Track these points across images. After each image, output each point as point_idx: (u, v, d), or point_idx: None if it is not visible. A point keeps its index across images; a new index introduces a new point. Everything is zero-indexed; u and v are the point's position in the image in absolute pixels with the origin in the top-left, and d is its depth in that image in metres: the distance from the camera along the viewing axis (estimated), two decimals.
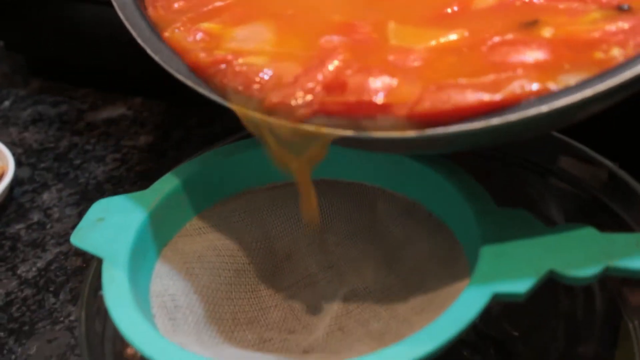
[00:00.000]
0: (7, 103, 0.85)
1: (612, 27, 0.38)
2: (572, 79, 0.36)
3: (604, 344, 0.47)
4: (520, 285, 0.37)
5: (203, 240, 0.48)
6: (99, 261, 0.44)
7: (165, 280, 0.45)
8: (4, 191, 0.69)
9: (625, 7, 0.39)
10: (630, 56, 0.36)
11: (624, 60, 0.36)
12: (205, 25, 0.44)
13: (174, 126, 0.78)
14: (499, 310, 0.48)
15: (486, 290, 0.37)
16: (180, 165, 0.49)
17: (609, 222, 0.46)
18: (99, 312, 0.45)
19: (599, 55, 0.37)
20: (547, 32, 0.39)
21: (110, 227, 0.45)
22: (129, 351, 0.45)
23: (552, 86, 0.36)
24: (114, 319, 0.40)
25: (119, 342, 0.44)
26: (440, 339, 0.36)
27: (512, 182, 0.45)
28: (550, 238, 0.39)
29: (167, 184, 0.47)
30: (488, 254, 0.39)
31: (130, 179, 0.72)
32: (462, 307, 0.37)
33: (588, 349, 0.48)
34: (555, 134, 0.48)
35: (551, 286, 0.38)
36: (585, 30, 0.38)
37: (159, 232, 0.46)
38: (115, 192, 0.70)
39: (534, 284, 0.37)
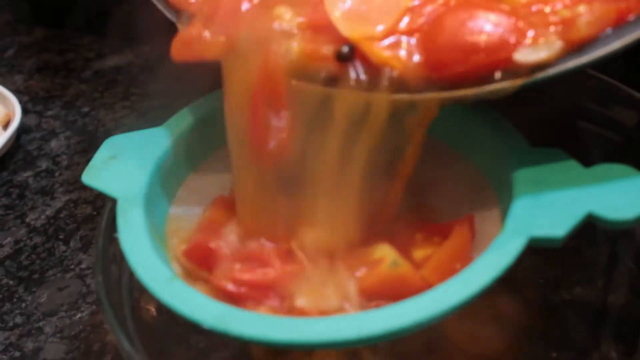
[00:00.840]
0: (11, 51, 0.83)
1: None
2: None
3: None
4: (558, 229, 0.35)
5: (219, 180, 0.46)
6: (113, 202, 0.42)
7: (182, 221, 0.44)
8: (10, 138, 0.67)
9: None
10: None
11: None
12: None
13: (184, 72, 0.75)
14: None
15: (522, 234, 0.36)
16: (196, 102, 0.47)
17: None
18: (115, 257, 0.43)
19: None
20: None
21: (123, 165, 0.43)
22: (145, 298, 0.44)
23: None
24: (131, 264, 0.38)
25: (137, 288, 0.43)
26: (476, 285, 0.34)
27: (546, 122, 0.43)
28: (587, 179, 0.37)
29: (182, 120, 0.46)
30: (522, 196, 0.38)
31: (140, 126, 0.70)
32: (497, 251, 0.35)
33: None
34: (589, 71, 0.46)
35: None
36: None
37: (174, 171, 0.45)
38: None
39: (572, 227, 0.35)
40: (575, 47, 0.35)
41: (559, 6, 0.36)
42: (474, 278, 0.34)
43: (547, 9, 0.36)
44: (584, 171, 0.38)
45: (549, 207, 0.36)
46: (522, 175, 0.39)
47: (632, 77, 0.46)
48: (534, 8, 0.36)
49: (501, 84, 0.36)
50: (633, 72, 0.46)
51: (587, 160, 0.40)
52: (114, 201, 0.43)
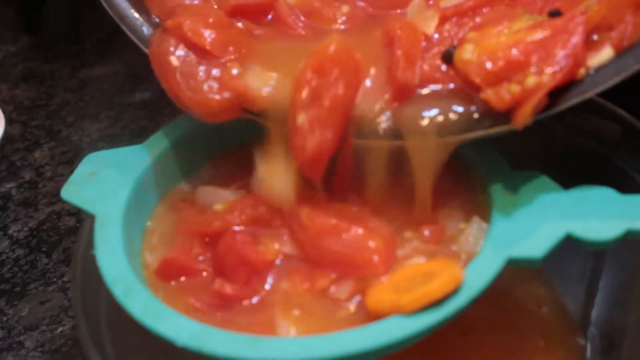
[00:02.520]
0: None
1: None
2: None
3: None
4: (536, 250, 0.35)
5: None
6: (93, 218, 0.42)
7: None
8: None
9: (554, 11, 0.37)
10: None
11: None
12: None
13: None
14: None
15: (500, 255, 0.36)
16: (177, 120, 0.47)
17: (625, 182, 0.44)
18: (92, 273, 0.43)
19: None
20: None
21: (103, 182, 0.43)
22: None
23: None
24: (107, 281, 0.38)
25: (114, 304, 0.43)
26: (453, 306, 0.34)
27: (528, 140, 0.43)
28: (567, 201, 0.38)
29: (163, 138, 0.45)
30: (501, 217, 0.38)
31: (126, 137, 0.70)
32: (476, 272, 0.35)
33: None
34: None
35: None
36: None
37: (154, 189, 0.44)
38: None
39: (551, 248, 0.35)
40: None
41: None
42: (452, 298, 0.34)
43: None
44: (563, 193, 0.38)
45: (528, 228, 0.36)
46: (501, 197, 0.39)
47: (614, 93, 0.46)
48: None
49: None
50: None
51: (569, 176, 0.41)
52: (92, 218, 0.42)
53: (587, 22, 0.36)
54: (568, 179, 0.40)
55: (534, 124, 0.36)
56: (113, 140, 0.70)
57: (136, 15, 0.44)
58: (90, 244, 0.42)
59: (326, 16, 0.40)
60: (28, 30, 0.84)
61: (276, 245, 0.39)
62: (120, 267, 0.38)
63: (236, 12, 0.41)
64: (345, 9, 0.40)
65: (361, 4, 0.42)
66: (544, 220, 0.37)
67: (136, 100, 0.74)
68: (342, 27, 0.41)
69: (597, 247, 0.36)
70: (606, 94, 0.44)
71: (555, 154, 0.47)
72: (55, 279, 0.58)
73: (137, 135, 0.69)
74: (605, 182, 0.39)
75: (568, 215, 0.37)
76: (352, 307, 0.37)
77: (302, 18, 0.42)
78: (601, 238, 0.36)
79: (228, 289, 0.38)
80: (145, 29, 0.44)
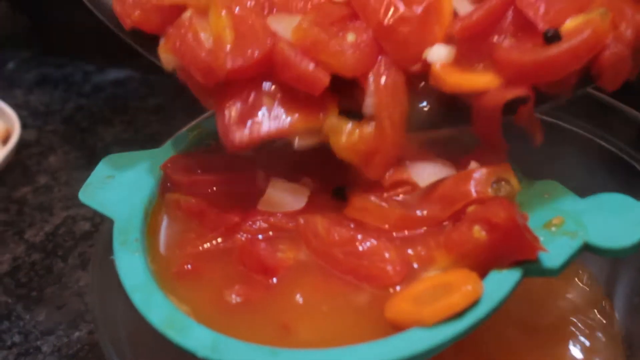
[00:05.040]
0: (11, 64, 0.83)
1: None
2: None
3: None
4: (554, 260, 0.35)
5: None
6: (110, 222, 0.42)
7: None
8: (9, 153, 0.67)
9: (549, 33, 0.36)
10: None
11: None
12: None
13: (184, 87, 0.75)
14: None
15: (518, 266, 0.35)
16: (195, 122, 0.47)
17: None
18: (111, 277, 0.43)
19: None
20: None
21: (121, 185, 0.43)
22: None
23: None
24: (127, 289, 0.38)
25: (132, 309, 0.43)
26: (473, 318, 0.34)
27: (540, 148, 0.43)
28: (583, 209, 0.37)
29: (182, 142, 0.45)
30: None
31: (139, 141, 0.70)
32: (494, 284, 0.35)
33: None
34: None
35: None
36: None
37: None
38: None
39: (568, 258, 0.35)
40: None
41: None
42: (471, 311, 0.34)
43: None
44: (579, 201, 0.38)
45: (546, 238, 0.36)
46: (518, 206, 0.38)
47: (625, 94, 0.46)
48: None
49: None
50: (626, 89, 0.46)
51: (584, 178, 0.40)
52: (110, 221, 0.42)
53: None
54: (583, 182, 0.40)
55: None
56: (127, 144, 0.70)
57: None
58: (108, 248, 0.42)
59: (333, 50, 0.38)
60: (41, 36, 0.85)
61: (293, 253, 0.39)
62: (140, 274, 0.38)
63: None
64: (351, 37, 0.39)
65: (366, 34, 0.39)
66: (561, 230, 0.37)
67: (149, 105, 0.74)
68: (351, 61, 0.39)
69: (615, 255, 0.36)
70: (621, 96, 0.44)
71: (570, 157, 0.47)
72: (71, 284, 0.58)
73: (150, 140, 0.70)
74: (620, 185, 0.39)
75: (585, 224, 0.36)
76: (367, 314, 0.37)
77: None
78: (619, 246, 0.35)
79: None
80: None
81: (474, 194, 0.37)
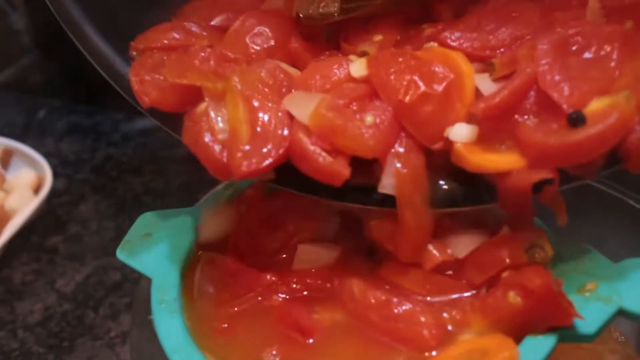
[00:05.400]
0: (42, 113, 0.84)
1: None
2: None
3: None
4: (589, 327, 0.36)
5: None
6: (147, 279, 0.43)
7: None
8: (41, 203, 0.68)
9: (574, 115, 0.36)
10: None
11: None
12: None
13: None
14: None
15: (553, 332, 0.36)
16: (230, 181, 0.48)
17: None
18: (150, 334, 0.43)
19: None
20: None
21: (158, 244, 0.44)
22: None
23: None
24: (166, 351, 0.39)
25: None
26: None
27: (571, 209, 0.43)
28: (617, 274, 0.38)
29: (217, 200, 0.46)
30: None
31: (169, 191, 0.71)
32: (530, 350, 0.35)
33: None
34: None
35: None
36: None
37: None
38: (153, 205, 0.69)
39: (604, 324, 0.36)
40: None
41: None
42: None
43: None
44: (612, 266, 0.39)
45: (579, 304, 0.36)
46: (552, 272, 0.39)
47: None
48: None
49: None
50: None
51: (618, 239, 0.41)
52: (147, 278, 0.43)
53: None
54: (615, 245, 0.40)
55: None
56: (157, 194, 0.71)
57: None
58: (146, 306, 0.43)
59: (351, 133, 0.37)
60: (71, 84, 0.87)
61: (329, 314, 0.40)
62: (179, 335, 0.39)
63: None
64: (369, 119, 0.38)
65: (386, 113, 0.39)
66: (595, 295, 0.37)
67: (178, 154, 0.76)
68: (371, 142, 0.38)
69: None
70: None
71: (602, 219, 0.48)
72: (102, 335, 0.59)
73: (180, 189, 0.71)
74: None
75: (619, 289, 0.37)
76: None
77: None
78: None
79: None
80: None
81: (507, 261, 0.38)
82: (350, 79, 0.40)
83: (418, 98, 0.38)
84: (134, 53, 0.45)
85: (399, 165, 0.38)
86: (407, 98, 0.38)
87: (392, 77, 0.38)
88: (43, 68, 0.91)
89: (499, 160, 0.37)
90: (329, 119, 0.38)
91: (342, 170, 0.37)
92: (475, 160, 0.37)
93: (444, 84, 0.38)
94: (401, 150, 0.38)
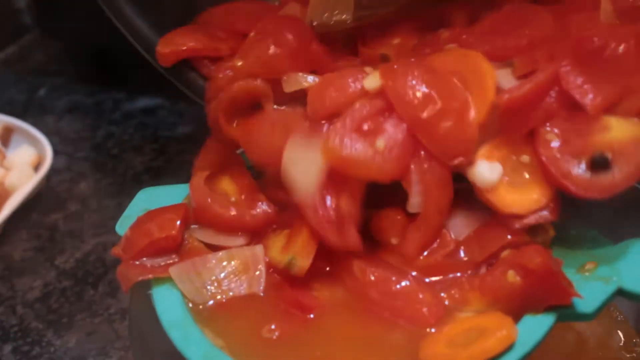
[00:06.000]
0: (42, 91, 0.84)
1: None
2: None
3: None
4: (588, 305, 0.36)
5: None
6: None
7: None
8: (41, 180, 0.68)
9: (598, 157, 0.36)
10: None
11: None
12: None
13: None
14: None
15: (552, 311, 0.36)
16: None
17: None
18: (148, 310, 0.43)
19: None
20: None
21: None
22: None
23: None
24: (165, 325, 0.39)
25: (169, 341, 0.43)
26: None
27: None
28: (616, 254, 0.38)
29: None
30: None
31: (170, 169, 0.71)
32: (528, 329, 0.35)
33: None
34: None
35: None
36: None
37: None
38: (153, 183, 0.68)
39: (602, 303, 0.36)
40: None
41: None
42: (505, 355, 0.35)
43: None
44: (612, 246, 0.39)
45: (579, 283, 0.36)
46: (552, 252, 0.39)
47: None
48: None
49: None
50: None
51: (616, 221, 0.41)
52: None
53: None
54: (614, 226, 0.40)
55: None
56: (157, 173, 0.71)
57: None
58: (145, 281, 0.43)
59: (365, 162, 0.37)
60: (72, 63, 0.87)
61: (329, 291, 0.40)
62: (178, 310, 0.39)
63: None
64: (380, 143, 0.38)
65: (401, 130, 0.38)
66: (595, 275, 0.37)
67: (179, 133, 0.76)
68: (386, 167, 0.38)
69: None
70: None
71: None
72: (101, 311, 0.59)
73: (180, 168, 0.71)
74: None
75: (619, 269, 0.37)
76: (403, 350, 0.38)
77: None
78: None
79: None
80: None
81: (509, 237, 0.38)
82: (365, 93, 0.39)
83: (436, 114, 0.38)
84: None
85: (422, 185, 0.38)
86: (425, 114, 0.38)
87: (408, 91, 0.38)
88: (44, 46, 0.90)
89: (522, 203, 0.38)
90: (338, 153, 0.38)
91: (353, 244, 0.39)
92: (499, 203, 0.38)
93: (461, 98, 0.38)
94: (424, 166, 0.38)
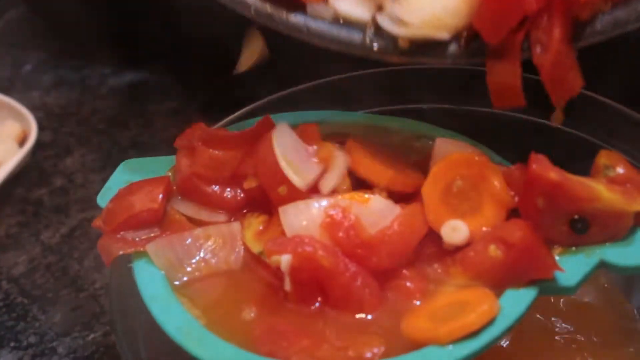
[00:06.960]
0: (28, 66, 0.83)
1: None
2: None
3: None
4: (570, 279, 0.36)
5: None
6: None
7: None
8: (26, 155, 0.67)
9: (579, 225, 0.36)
10: None
11: None
12: None
13: (199, 91, 0.76)
14: None
15: (533, 285, 0.36)
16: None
17: None
18: (129, 282, 0.43)
19: None
20: None
21: None
22: None
23: None
24: (145, 298, 0.39)
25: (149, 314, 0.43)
26: (489, 337, 0.34)
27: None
28: None
29: None
30: None
31: (155, 144, 0.71)
32: (510, 303, 0.35)
33: None
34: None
35: None
36: None
37: None
38: None
39: (584, 276, 0.36)
40: None
41: None
42: (487, 329, 0.35)
43: None
44: None
45: (561, 257, 0.36)
46: None
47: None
48: None
49: None
50: None
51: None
52: None
53: None
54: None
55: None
56: (143, 148, 0.71)
57: None
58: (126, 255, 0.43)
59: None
60: (58, 38, 0.86)
61: None
62: (158, 283, 0.39)
63: None
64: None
65: None
66: (577, 248, 0.37)
67: (165, 108, 0.75)
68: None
69: (631, 272, 0.36)
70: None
71: (552, 147, 0.47)
72: (86, 286, 0.59)
73: (166, 143, 0.70)
74: None
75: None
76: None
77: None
78: (636, 263, 0.36)
79: None
80: None
81: None
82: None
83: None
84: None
85: None
86: None
87: None
88: (30, 21, 0.89)
89: None
90: None
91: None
92: None
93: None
94: None
